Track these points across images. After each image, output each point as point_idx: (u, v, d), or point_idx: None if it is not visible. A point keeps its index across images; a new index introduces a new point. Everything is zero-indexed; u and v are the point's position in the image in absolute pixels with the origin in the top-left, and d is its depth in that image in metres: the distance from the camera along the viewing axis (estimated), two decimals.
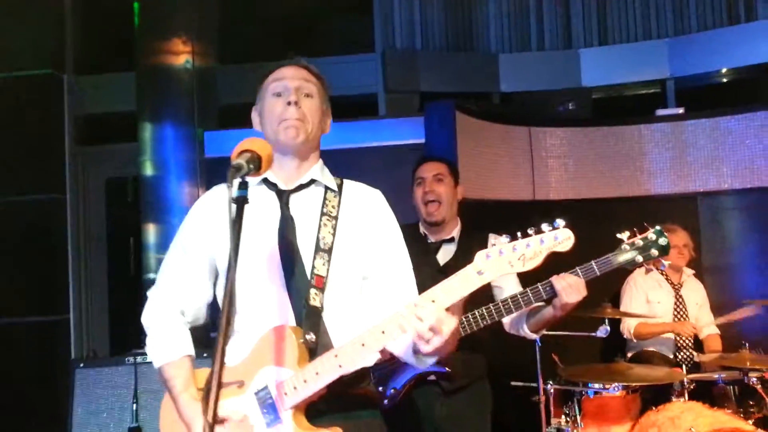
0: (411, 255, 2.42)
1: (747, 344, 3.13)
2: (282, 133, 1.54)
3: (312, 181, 1.60)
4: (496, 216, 3.44)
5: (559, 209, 4.05)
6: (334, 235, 1.53)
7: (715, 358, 3.22)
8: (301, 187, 1.59)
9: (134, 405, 2.75)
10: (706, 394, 3.14)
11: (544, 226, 1.35)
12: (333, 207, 1.56)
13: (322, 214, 1.55)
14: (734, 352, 3.16)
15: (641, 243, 1.93)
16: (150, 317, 1.63)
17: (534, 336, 2.42)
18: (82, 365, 2.78)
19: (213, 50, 4.43)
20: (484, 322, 2.26)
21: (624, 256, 1.95)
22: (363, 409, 1.54)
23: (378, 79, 5.36)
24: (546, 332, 2.62)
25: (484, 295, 2.47)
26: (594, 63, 5.48)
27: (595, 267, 2.06)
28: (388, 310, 1.47)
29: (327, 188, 1.60)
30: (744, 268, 3.94)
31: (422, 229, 2.60)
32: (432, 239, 2.57)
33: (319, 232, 1.53)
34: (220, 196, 1.62)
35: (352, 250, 1.56)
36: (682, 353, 3.53)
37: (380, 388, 2.40)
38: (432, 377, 2.38)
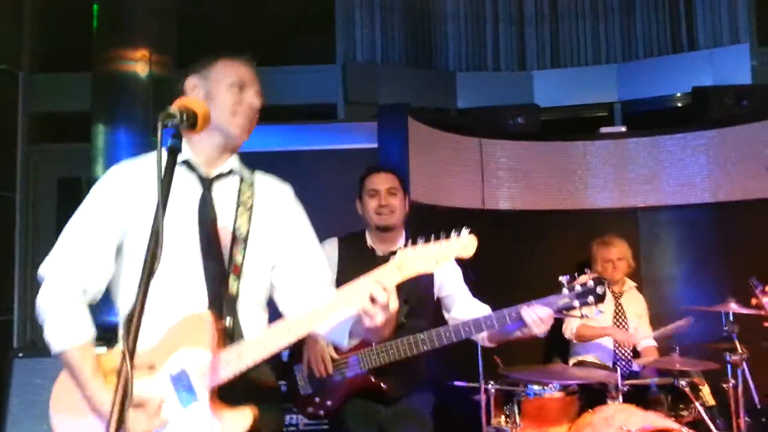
0: (359, 267, 2.46)
1: (678, 349, 3.30)
2: (235, 127, 1.57)
3: (230, 171, 1.63)
4: (445, 222, 3.51)
5: (506, 219, 4.19)
6: (249, 224, 1.58)
7: (649, 361, 3.35)
8: (221, 175, 1.61)
9: None
10: (640, 398, 3.26)
11: (453, 234, 1.52)
12: (248, 197, 1.60)
13: (239, 203, 1.59)
14: (666, 357, 3.31)
15: (580, 289, 1.99)
16: (48, 298, 1.53)
17: (490, 345, 2.47)
18: (21, 355, 2.73)
19: (171, 59, 4.43)
20: (440, 343, 2.25)
21: (563, 301, 2.01)
22: (266, 401, 1.57)
23: (338, 89, 5.47)
24: (493, 342, 2.68)
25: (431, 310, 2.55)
26: (546, 84, 5.72)
27: (552, 303, 2.09)
28: (303, 297, 1.58)
29: (242, 179, 1.63)
30: (681, 281, 4.13)
31: (369, 242, 2.60)
32: (380, 252, 2.57)
33: (235, 221, 1.56)
34: (128, 169, 1.61)
35: (266, 239, 1.61)
36: (620, 362, 3.65)
37: (316, 399, 2.45)
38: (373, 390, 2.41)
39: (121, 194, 1.56)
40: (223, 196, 1.60)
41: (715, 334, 3.21)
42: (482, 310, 2.43)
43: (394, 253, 2.53)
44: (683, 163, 4.22)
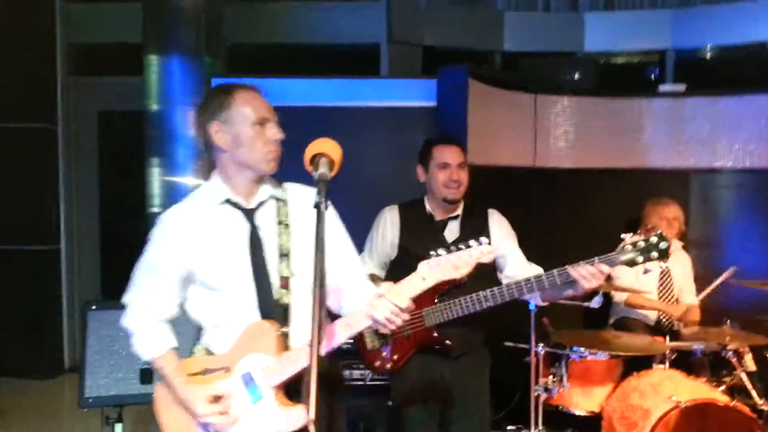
0: (419, 233, 2.59)
1: (728, 320, 3.34)
2: (265, 163, 1.75)
3: (269, 198, 1.82)
4: (498, 181, 3.51)
5: (558, 177, 4.16)
6: (289, 240, 1.78)
7: (697, 331, 3.41)
8: (260, 204, 1.81)
9: None
10: (684, 361, 3.36)
11: (473, 242, 1.70)
12: (285, 216, 1.79)
13: (278, 223, 1.78)
14: (716, 326, 3.37)
15: (643, 245, 2.05)
16: (131, 321, 1.85)
17: (543, 304, 2.57)
18: (94, 307, 2.82)
19: None
20: (499, 301, 2.35)
21: (626, 256, 2.08)
22: (328, 392, 1.74)
23: (381, 28, 5.30)
24: (547, 300, 2.77)
25: (489, 271, 2.60)
26: (598, 28, 5.51)
27: (606, 260, 2.17)
28: (343, 298, 1.82)
29: (277, 200, 1.82)
30: (730, 246, 4.11)
31: (429, 208, 2.65)
32: (438, 217, 2.63)
33: (279, 240, 1.77)
34: (181, 213, 1.82)
35: (307, 251, 1.72)
36: (663, 322, 3.72)
37: (383, 354, 2.56)
38: (437, 346, 2.51)
39: (174, 241, 1.79)
40: (265, 220, 1.80)
41: (765, 305, 3.23)
42: (534, 270, 2.50)
43: (452, 218, 2.64)
44: (741, 126, 4.11)
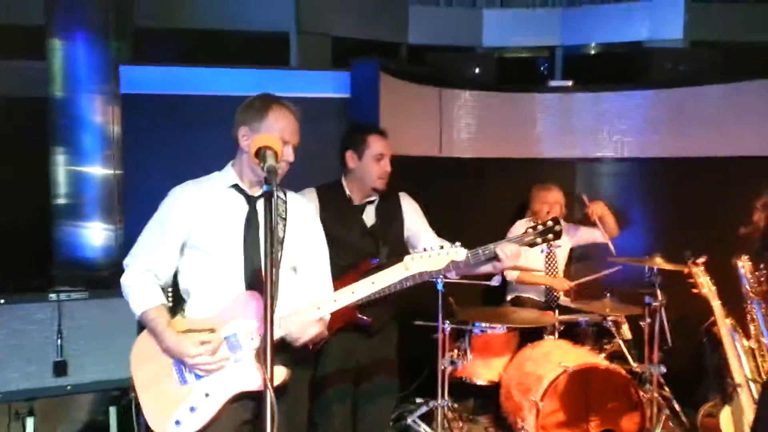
0: (338, 215, 2.72)
1: (608, 294, 3.77)
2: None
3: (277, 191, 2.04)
4: (406, 171, 3.70)
5: (461, 165, 4.44)
6: (284, 230, 2.01)
7: (580, 304, 3.81)
8: (262, 195, 1.95)
9: (59, 340, 2.81)
10: (570, 332, 3.75)
11: (447, 244, 1.98)
12: (283, 210, 2.04)
13: (278, 214, 2.01)
14: (598, 300, 3.78)
15: (542, 228, 2.39)
16: (130, 278, 2.02)
17: (455, 279, 2.82)
18: (2, 301, 2.76)
19: None
20: (421, 279, 2.43)
21: (528, 239, 2.42)
22: (298, 353, 2.00)
23: (291, 17, 5.34)
24: (449, 279, 3.03)
25: (404, 250, 2.80)
26: (494, 23, 5.86)
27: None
28: (309, 293, 2.05)
29: (278, 197, 2.01)
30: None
31: (348, 191, 2.77)
32: (356, 201, 2.77)
33: (275, 227, 1.94)
34: (189, 189, 2.05)
35: (297, 242, 2.06)
36: (551, 298, 4.11)
37: None
38: (357, 323, 2.67)
39: (184, 208, 2.02)
40: (263, 209, 1.95)
41: (641, 280, 3.66)
42: (445, 244, 2.71)
43: (369, 202, 2.80)
44: (620, 119, 4.55)
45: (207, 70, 4.00)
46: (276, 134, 1.93)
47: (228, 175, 2.05)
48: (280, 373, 1.88)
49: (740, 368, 2.60)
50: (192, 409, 1.89)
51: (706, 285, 2.64)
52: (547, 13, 5.91)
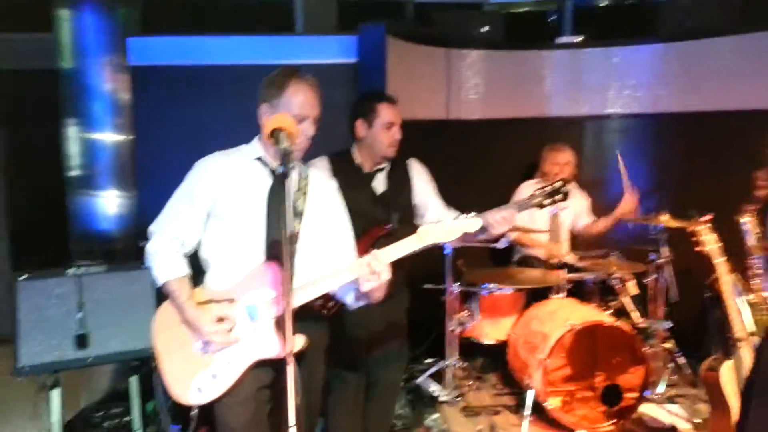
0: (349, 183, 2.76)
1: (613, 252, 3.81)
2: (294, 149, 1.92)
3: (292, 167, 2.03)
4: (413, 136, 3.72)
5: (468, 128, 4.44)
6: (305, 204, 2.08)
7: (587, 262, 3.86)
8: (276, 176, 2.04)
9: (79, 314, 2.90)
10: (577, 290, 3.82)
11: (461, 216, 2.02)
12: (305, 185, 2.11)
13: (298, 189, 2.09)
14: (603, 258, 3.83)
15: (549, 190, 2.39)
16: (156, 245, 2.06)
17: (458, 245, 2.87)
18: (24, 277, 2.85)
19: None
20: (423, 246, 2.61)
21: (536, 200, 2.47)
22: (314, 321, 2.10)
23: None
24: (462, 243, 3.08)
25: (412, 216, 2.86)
26: None
27: (515, 207, 2.52)
28: (334, 261, 2.06)
29: (300, 173, 2.13)
30: (617, 184, 4.56)
31: (358, 160, 2.79)
32: (366, 169, 2.79)
33: (295, 201, 2.07)
34: (216, 160, 2.08)
35: (316, 215, 2.10)
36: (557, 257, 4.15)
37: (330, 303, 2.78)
38: None
39: (211, 178, 2.05)
40: (287, 183, 1.99)
41: (647, 237, 3.70)
42: (452, 215, 2.77)
43: (379, 170, 2.85)
44: (630, 74, 4.49)
45: (212, 39, 4.01)
46: (295, 110, 1.96)
47: (254, 148, 2.09)
48: (299, 341, 1.93)
49: (741, 323, 2.65)
50: (214, 376, 1.95)
51: (709, 243, 2.67)
52: None
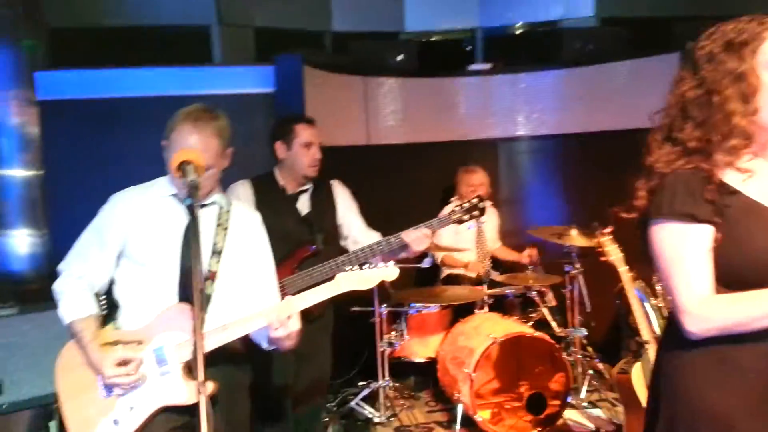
0: (273, 205, 2.78)
1: (531, 267, 4.00)
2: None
3: (212, 202, 2.05)
4: (336, 161, 3.79)
5: (389, 152, 4.56)
6: (224, 241, 2.00)
7: (507, 277, 4.03)
8: (204, 205, 2.01)
9: None
10: (499, 304, 3.97)
11: (380, 264, 2.02)
12: (225, 220, 2.04)
13: (218, 225, 2.02)
14: (521, 273, 4.01)
15: (467, 206, 2.54)
16: (63, 284, 2.00)
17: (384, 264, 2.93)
18: None
19: None
20: (357, 262, 2.63)
21: (455, 216, 2.64)
22: (233, 362, 2.01)
23: (211, 9, 5.27)
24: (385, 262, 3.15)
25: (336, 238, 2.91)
26: (416, 7, 5.96)
27: (435, 223, 2.63)
28: (253, 305, 1.97)
29: (221, 207, 2.05)
30: (531, 201, 4.84)
31: (281, 182, 2.85)
32: (290, 191, 2.85)
33: (214, 238, 1.99)
34: (128, 196, 2.04)
35: (237, 253, 2.02)
36: (481, 272, 4.30)
37: None
38: None
39: (122, 216, 2.00)
40: (205, 219, 2.01)
41: (561, 251, 3.91)
42: (372, 235, 2.87)
43: (303, 192, 2.89)
44: (537, 98, 4.78)
45: (126, 71, 3.95)
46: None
47: (168, 184, 2.02)
48: (209, 387, 1.78)
49: (648, 326, 2.84)
50: (115, 422, 1.87)
51: (612, 253, 2.87)
52: None
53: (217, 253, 1.98)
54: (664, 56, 4.28)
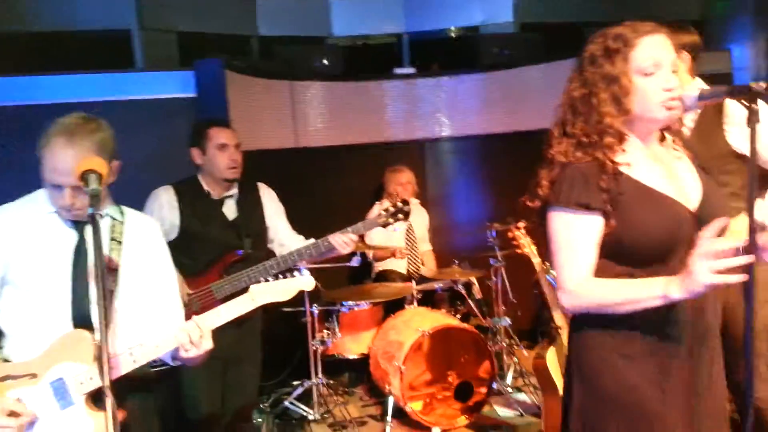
0: (198, 210, 2.78)
1: (457, 261, 4.17)
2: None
3: (104, 215, 1.87)
4: (264, 165, 3.84)
5: (317, 155, 4.64)
6: (120, 256, 1.83)
7: (436, 272, 4.19)
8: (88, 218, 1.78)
9: None
10: (429, 299, 4.12)
11: (297, 273, 1.99)
12: (119, 234, 1.86)
13: (111, 239, 1.84)
14: (448, 267, 4.17)
15: (392, 210, 2.67)
16: None
17: (310, 266, 3.01)
18: None
19: None
20: (284, 266, 2.68)
21: (381, 220, 2.74)
22: (138, 392, 1.87)
23: (132, 14, 5.20)
24: (313, 264, 3.24)
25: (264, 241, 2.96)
26: (342, 12, 6.07)
27: (361, 227, 2.74)
28: (157, 323, 1.85)
29: (113, 218, 1.88)
30: (457, 199, 5.02)
31: (205, 187, 2.84)
32: (215, 196, 2.84)
33: (109, 255, 1.81)
34: (12, 215, 1.84)
35: (135, 270, 1.86)
36: (412, 269, 4.46)
37: None
38: None
39: (6, 237, 1.80)
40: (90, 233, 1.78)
41: (486, 245, 4.09)
42: (297, 238, 2.95)
43: (228, 197, 2.89)
44: (458, 101, 4.98)
45: (46, 78, 3.86)
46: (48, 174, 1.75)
47: (47, 197, 1.80)
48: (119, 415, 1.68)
49: (561, 312, 3.04)
50: None
51: (527, 245, 3.05)
52: (392, 0, 6.21)
53: (113, 270, 1.81)
54: (576, 60, 4.56)
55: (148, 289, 1.89)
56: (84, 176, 1.64)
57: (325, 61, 4.63)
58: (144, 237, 1.92)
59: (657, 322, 1.48)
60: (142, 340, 1.77)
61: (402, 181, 4.39)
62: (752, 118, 1.34)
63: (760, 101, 1.36)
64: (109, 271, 1.79)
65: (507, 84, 4.86)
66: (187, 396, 2.79)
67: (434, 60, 5.65)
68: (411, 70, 5.02)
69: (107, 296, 1.75)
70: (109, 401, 1.42)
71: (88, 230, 1.78)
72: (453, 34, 6.25)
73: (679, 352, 1.50)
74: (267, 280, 1.93)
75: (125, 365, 1.74)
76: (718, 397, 1.58)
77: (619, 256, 1.51)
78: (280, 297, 1.92)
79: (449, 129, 4.99)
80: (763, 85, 1.34)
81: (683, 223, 1.48)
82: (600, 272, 1.51)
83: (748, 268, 1.30)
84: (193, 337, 1.73)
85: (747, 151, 2.15)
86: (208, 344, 1.76)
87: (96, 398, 1.74)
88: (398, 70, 4.99)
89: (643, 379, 1.50)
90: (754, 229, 1.30)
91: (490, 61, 4.94)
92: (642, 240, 1.47)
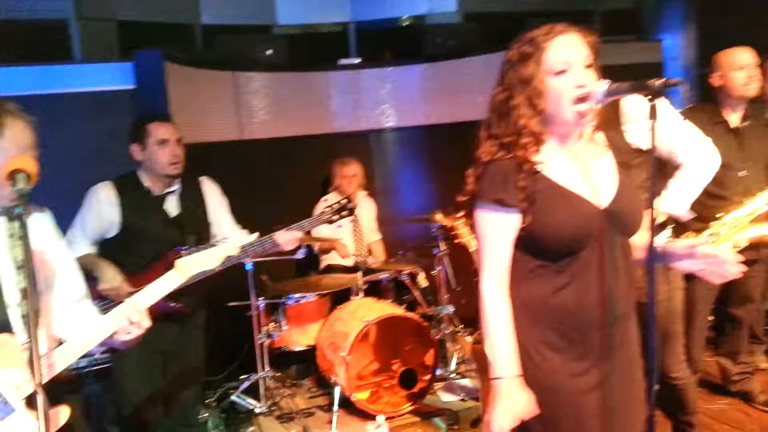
0: (139, 207, 2.75)
1: (401, 252, 4.24)
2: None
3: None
4: (208, 158, 3.81)
5: (263, 147, 4.62)
6: (25, 252, 1.72)
7: (382, 263, 4.25)
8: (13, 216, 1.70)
9: None
10: (375, 290, 4.17)
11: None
12: (18, 228, 1.69)
13: (9, 236, 1.74)
14: (393, 257, 4.23)
15: (337, 206, 2.73)
16: None
17: (255, 260, 3.03)
18: None
19: None
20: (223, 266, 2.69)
21: (326, 217, 2.82)
22: (68, 393, 1.80)
23: (69, 3, 5.03)
24: (258, 258, 3.25)
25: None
26: (288, 2, 6.02)
27: (306, 224, 2.78)
28: (71, 313, 1.85)
29: (9, 216, 1.74)
30: (404, 189, 5.08)
31: (146, 183, 2.80)
32: (156, 192, 2.81)
33: (12, 252, 1.73)
34: None
35: (43, 262, 1.82)
36: (359, 261, 4.49)
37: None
38: (169, 309, 2.66)
39: None
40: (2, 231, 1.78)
41: (429, 235, 4.17)
42: (240, 233, 2.95)
43: (170, 193, 2.86)
44: (403, 91, 5.02)
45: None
46: (19, 152, 1.71)
47: None
48: (64, 414, 1.69)
49: None
50: None
51: (465, 235, 3.13)
52: None
53: (21, 267, 1.68)
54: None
55: (56, 279, 1.87)
56: (12, 175, 1.62)
57: (270, 51, 4.58)
58: (41, 229, 1.88)
59: (570, 311, 1.57)
60: (72, 334, 1.74)
61: (348, 174, 4.41)
62: (652, 114, 1.43)
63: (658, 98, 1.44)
64: (18, 269, 1.70)
65: (450, 74, 4.92)
66: (125, 390, 2.78)
67: (381, 49, 5.67)
68: (355, 61, 5.02)
69: (31, 295, 1.63)
70: (41, 398, 1.41)
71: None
72: (404, 23, 6.28)
73: (592, 340, 1.59)
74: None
75: (61, 360, 1.70)
76: (634, 379, 1.69)
77: (534, 250, 1.60)
78: (208, 265, 1.86)
79: (394, 119, 5.02)
80: (661, 81, 1.43)
81: (591, 220, 1.57)
82: (518, 266, 1.61)
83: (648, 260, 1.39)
84: (132, 319, 1.73)
85: (645, 146, 2.29)
86: (147, 322, 1.76)
87: (35, 401, 1.67)
88: (343, 61, 4.99)
89: (558, 366, 1.61)
90: (653, 226, 1.39)
91: (434, 52, 4.99)
92: (552, 236, 1.56)
